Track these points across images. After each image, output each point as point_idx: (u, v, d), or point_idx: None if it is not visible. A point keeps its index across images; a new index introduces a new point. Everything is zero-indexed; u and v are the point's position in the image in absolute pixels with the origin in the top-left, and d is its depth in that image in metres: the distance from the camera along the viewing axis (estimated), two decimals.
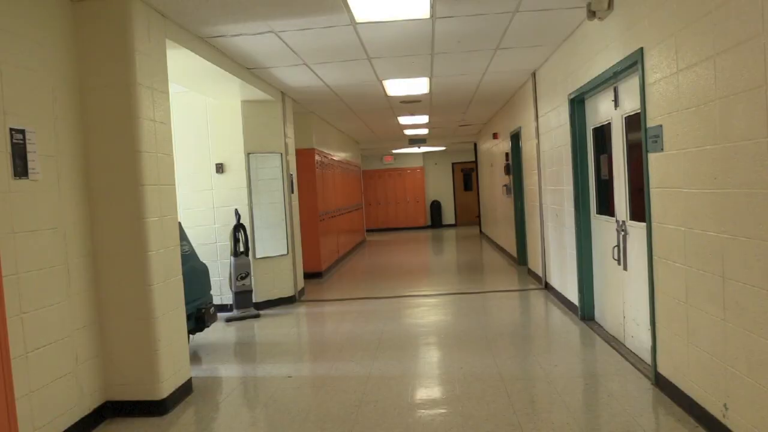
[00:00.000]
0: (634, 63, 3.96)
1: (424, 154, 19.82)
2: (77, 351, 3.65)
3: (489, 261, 11.01)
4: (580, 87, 5.30)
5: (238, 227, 6.96)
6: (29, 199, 3.26)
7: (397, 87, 7.80)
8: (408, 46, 5.71)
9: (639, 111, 3.98)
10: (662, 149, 3.57)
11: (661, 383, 3.80)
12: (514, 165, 9.64)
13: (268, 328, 6.43)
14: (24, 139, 3.21)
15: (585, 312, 5.76)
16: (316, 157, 9.81)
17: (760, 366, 2.66)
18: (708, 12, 2.93)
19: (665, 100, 3.51)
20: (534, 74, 7.47)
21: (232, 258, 6.86)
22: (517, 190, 9.60)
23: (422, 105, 9.51)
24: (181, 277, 4.37)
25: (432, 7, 4.56)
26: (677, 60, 3.31)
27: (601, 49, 4.69)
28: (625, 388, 3.91)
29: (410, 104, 9.36)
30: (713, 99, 2.93)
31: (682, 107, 3.27)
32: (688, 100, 3.21)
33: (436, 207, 19.98)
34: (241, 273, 6.92)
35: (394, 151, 19.01)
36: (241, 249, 6.97)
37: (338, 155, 12.25)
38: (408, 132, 13.67)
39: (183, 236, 5.25)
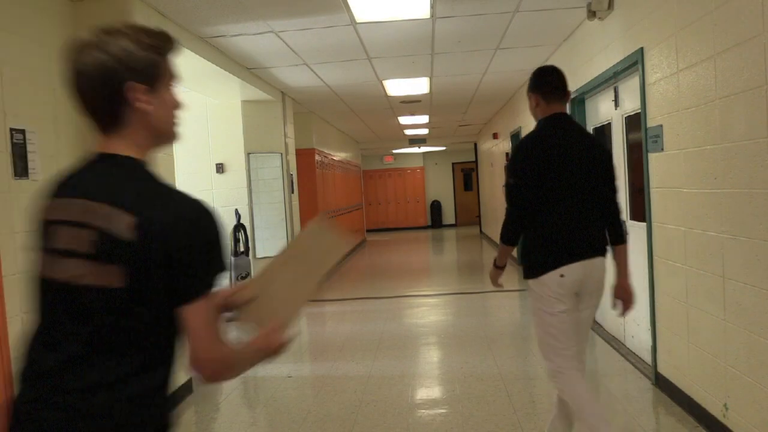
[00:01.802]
0: (635, 63, 3.96)
1: (424, 154, 19.81)
2: None
3: (489, 261, 10.99)
4: (581, 87, 5.30)
5: (238, 227, 6.96)
6: (29, 200, 3.26)
7: (397, 87, 7.80)
8: (408, 46, 5.71)
9: (639, 111, 3.98)
10: (662, 149, 3.57)
11: (661, 383, 3.80)
12: None
13: None
14: (24, 139, 3.21)
15: None
16: (316, 157, 9.81)
17: (760, 366, 2.66)
18: (708, 12, 2.93)
19: (665, 100, 3.51)
20: None
21: (232, 258, 6.86)
22: None
23: (422, 105, 9.51)
24: None
25: (432, 7, 4.56)
26: (677, 60, 3.31)
27: (601, 49, 4.69)
28: (625, 388, 3.92)
29: (410, 104, 9.36)
30: (713, 99, 2.93)
31: (683, 107, 3.27)
32: (688, 100, 3.21)
33: (436, 207, 19.95)
34: (241, 273, 6.91)
35: (394, 151, 19.00)
36: (242, 249, 6.97)
37: (338, 155, 12.25)
38: (408, 132, 13.67)
39: None
